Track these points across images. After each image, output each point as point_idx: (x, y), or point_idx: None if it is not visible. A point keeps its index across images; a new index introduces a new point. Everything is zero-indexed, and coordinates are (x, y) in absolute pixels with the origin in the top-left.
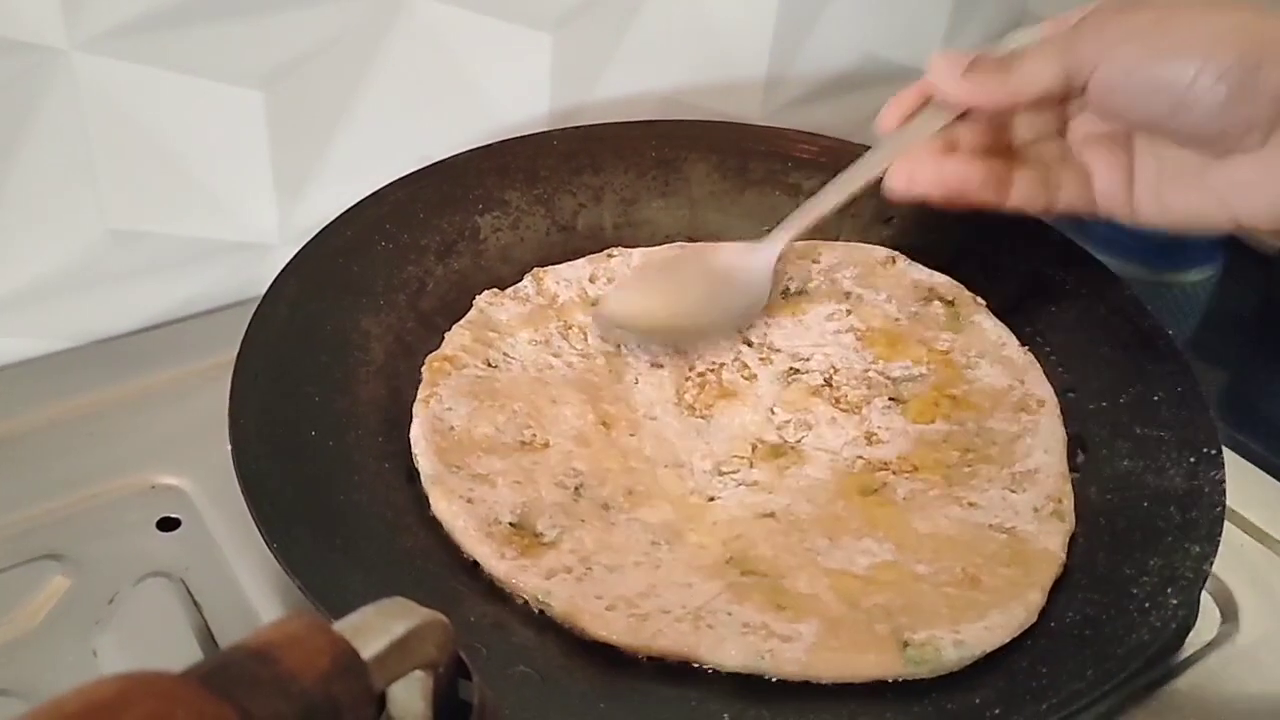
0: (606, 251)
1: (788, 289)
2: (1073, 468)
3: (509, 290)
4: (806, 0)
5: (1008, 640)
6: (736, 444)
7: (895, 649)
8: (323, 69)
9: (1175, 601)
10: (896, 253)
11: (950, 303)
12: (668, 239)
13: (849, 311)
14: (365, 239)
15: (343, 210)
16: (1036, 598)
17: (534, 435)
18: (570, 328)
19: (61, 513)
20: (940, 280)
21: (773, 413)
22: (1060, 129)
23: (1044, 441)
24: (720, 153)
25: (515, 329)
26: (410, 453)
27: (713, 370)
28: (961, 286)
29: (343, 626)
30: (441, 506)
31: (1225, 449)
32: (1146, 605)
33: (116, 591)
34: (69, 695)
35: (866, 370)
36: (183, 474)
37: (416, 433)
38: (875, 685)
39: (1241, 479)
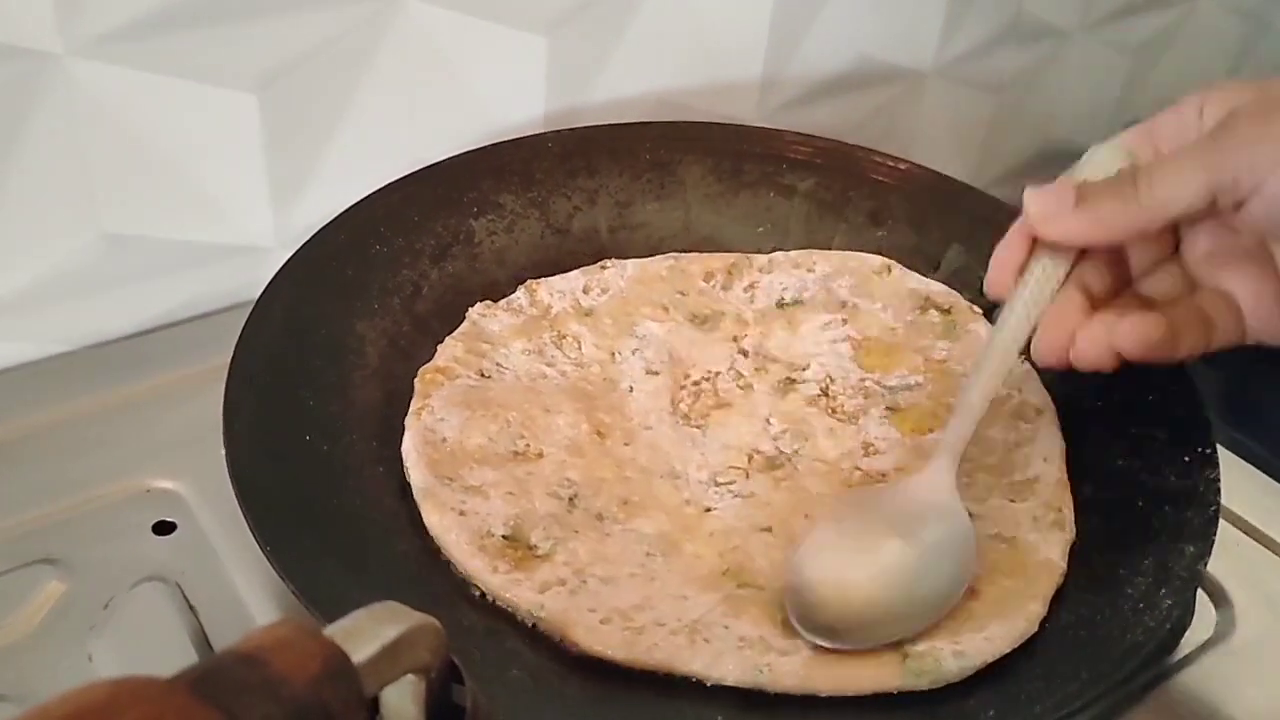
0: (600, 263)
1: (783, 299)
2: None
3: (502, 302)
4: (801, 1)
5: (1008, 651)
6: (732, 454)
7: (895, 661)
8: (317, 72)
9: (1170, 601)
10: (892, 261)
11: (946, 311)
12: (663, 241)
13: (845, 321)
14: (360, 242)
15: (337, 213)
16: (1037, 608)
17: (527, 445)
18: (564, 338)
19: (57, 517)
20: (936, 288)
21: (769, 423)
22: (1171, 252)
23: (1043, 450)
24: (716, 154)
25: (508, 339)
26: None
27: (708, 379)
28: (958, 294)
29: (334, 631)
30: (434, 520)
31: (1222, 448)
32: (1141, 605)
33: (112, 596)
34: (56, 701)
35: (863, 380)
36: (178, 478)
37: (408, 445)
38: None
39: (1238, 478)
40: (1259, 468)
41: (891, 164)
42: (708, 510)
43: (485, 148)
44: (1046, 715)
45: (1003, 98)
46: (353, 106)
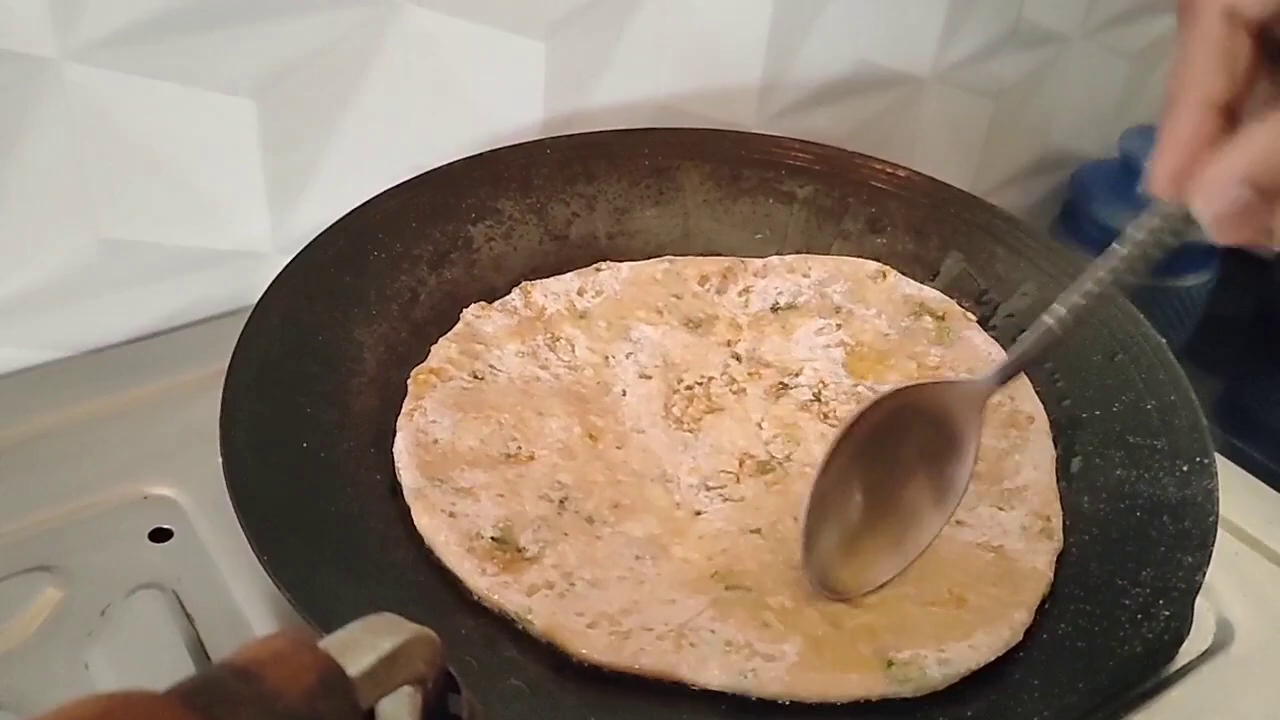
0: (595, 265)
1: (777, 303)
2: (1065, 478)
3: (496, 303)
4: (801, 7)
5: (992, 659)
6: (724, 459)
7: (879, 668)
8: (315, 78)
9: (1168, 612)
10: (887, 267)
11: (940, 317)
12: (661, 248)
13: (839, 326)
14: (358, 248)
15: (335, 219)
16: (1023, 617)
17: (519, 447)
18: (558, 340)
19: (53, 524)
20: (930, 295)
21: (760, 427)
22: None
23: (1033, 458)
24: (714, 160)
25: (502, 341)
26: None
27: (701, 384)
28: (952, 301)
29: (329, 643)
30: (424, 521)
31: (1221, 457)
32: (1139, 616)
33: (109, 603)
34: (50, 716)
35: (856, 386)
36: (175, 485)
37: (400, 446)
38: (860, 700)
39: (1237, 487)
40: (1258, 476)
41: (890, 171)
42: (698, 514)
43: (483, 154)
44: None
45: (1002, 103)
46: (351, 112)
